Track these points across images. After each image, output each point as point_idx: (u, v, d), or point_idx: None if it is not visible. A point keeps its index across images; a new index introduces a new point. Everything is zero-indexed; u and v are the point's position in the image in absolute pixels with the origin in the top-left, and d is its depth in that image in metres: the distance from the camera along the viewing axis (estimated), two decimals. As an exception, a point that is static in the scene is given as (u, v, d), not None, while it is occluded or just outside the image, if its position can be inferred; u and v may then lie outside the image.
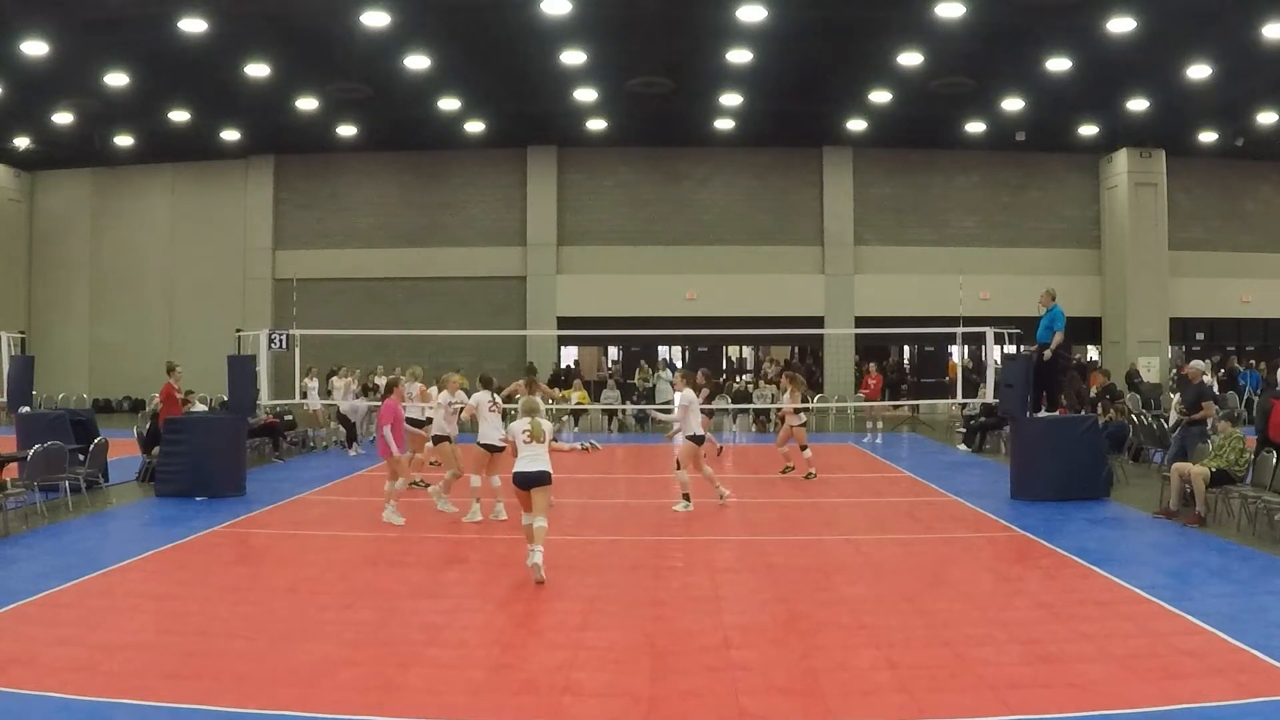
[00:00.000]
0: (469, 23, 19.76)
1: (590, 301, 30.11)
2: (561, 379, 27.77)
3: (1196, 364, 14.65)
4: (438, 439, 13.29)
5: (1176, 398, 15.06)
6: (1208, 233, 30.91)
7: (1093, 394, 17.84)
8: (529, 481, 8.98)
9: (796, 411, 15.88)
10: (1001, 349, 20.26)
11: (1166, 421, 16.59)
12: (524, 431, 9.10)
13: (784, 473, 15.97)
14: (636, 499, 14.04)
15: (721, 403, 23.84)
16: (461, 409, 13.06)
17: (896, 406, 26.83)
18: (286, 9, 18.95)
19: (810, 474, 15.36)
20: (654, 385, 25.71)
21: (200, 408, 16.52)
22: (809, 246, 30.83)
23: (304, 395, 20.47)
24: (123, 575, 9.14)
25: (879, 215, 30.95)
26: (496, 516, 11.93)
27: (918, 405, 27.04)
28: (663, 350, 31.51)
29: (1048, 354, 14.14)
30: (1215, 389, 17.43)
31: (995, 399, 16.56)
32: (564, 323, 29.88)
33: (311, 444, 20.67)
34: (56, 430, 14.12)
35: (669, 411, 14.46)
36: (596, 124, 27.95)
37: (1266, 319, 30.92)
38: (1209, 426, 12.97)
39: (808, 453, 15.52)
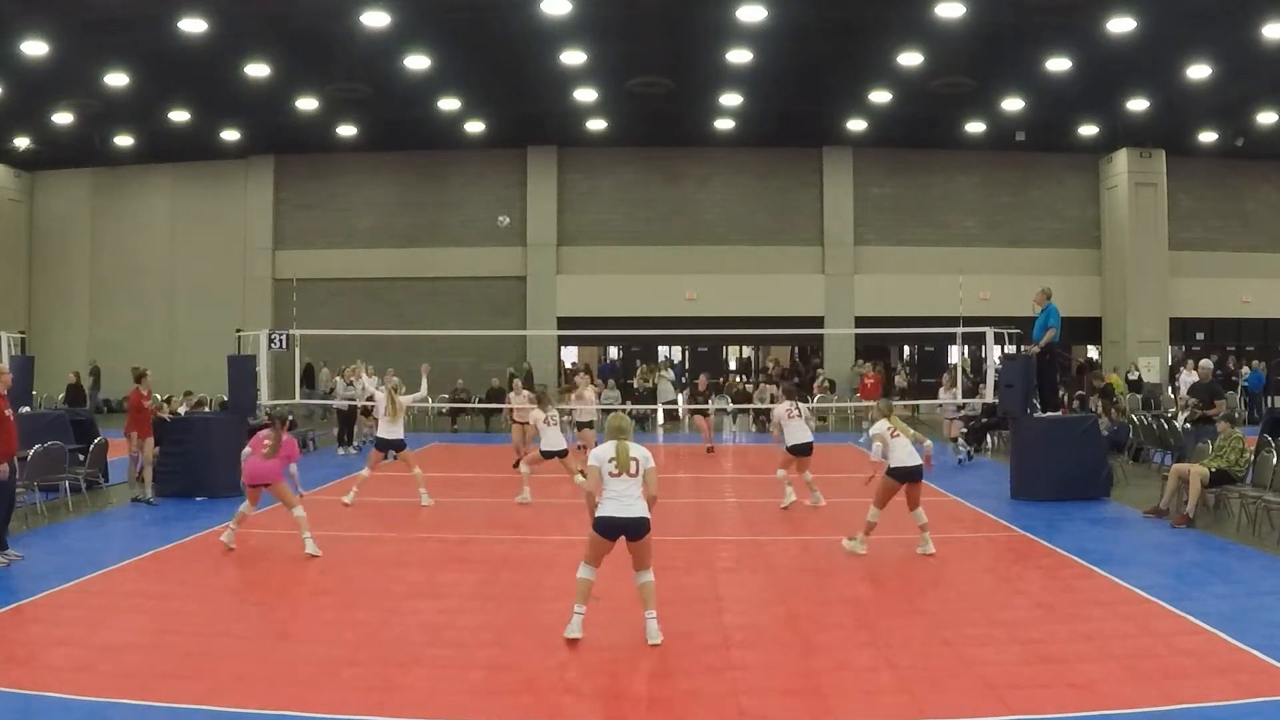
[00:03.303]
0: (469, 23, 19.76)
1: (590, 301, 30.09)
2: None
3: (1206, 363, 14.70)
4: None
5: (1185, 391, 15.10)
6: (1208, 233, 30.88)
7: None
8: (616, 530, 7.07)
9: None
10: (1002, 349, 20.23)
11: (1168, 422, 16.59)
12: (610, 460, 7.16)
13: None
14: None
15: (721, 402, 23.82)
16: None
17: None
18: (286, 9, 18.95)
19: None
20: (655, 385, 25.69)
21: (183, 409, 16.13)
22: (809, 246, 30.81)
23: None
24: (123, 575, 9.14)
25: (879, 215, 30.93)
26: None
27: (917, 405, 27.01)
28: (663, 350, 31.49)
29: (1035, 349, 14.14)
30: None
31: (995, 399, 16.55)
32: (564, 323, 29.86)
33: (313, 444, 20.69)
34: (56, 430, 14.11)
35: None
36: (596, 124, 27.93)
37: (1266, 319, 30.91)
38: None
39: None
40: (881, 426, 10.19)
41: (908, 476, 9.99)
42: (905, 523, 11.90)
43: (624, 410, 25.68)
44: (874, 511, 10.08)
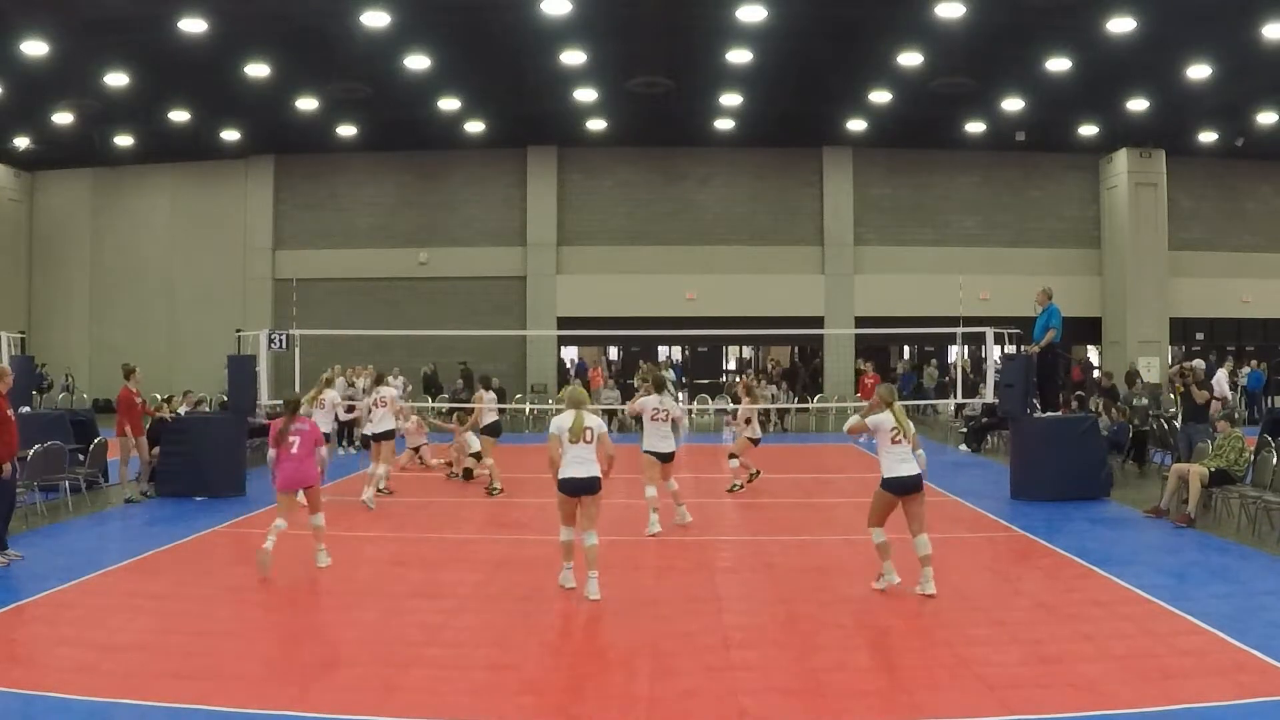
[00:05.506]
0: (469, 23, 19.75)
1: (590, 301, 30.08)
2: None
3: (1199, 364, 14.71)
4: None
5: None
6: (1208, 233, 30.87)
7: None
8: (579, 488, 8.26)
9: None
10: (1001, 349, 20.24)
11: (1168, 422, 16.61)
12: (567, 429, 8.24)
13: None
14: (637, 499, 14.01)
15: (721, 403, 23.84)
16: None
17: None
18: (286, 9, 18.95)
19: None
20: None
21: (183, 409, 16.01)
22: (809, 246, 30.81)
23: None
24: (123, 575, 9.14)
25: (879, 215, 30.93)
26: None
27: (917, 406, 27.00)
28: (663, 350, 31.48)
29: (1035, 349, 14.13)
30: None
31: (995, 399, 16.56)
32: (564, 323, 29.84)
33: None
34: (56, 430, 14.13)
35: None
36: (596, 124, 27.92)
37: (1266, 319, 30.91)
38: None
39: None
40: (883, 420, 8.48)
41: (905, 488, 8.42)
42: (905, 523, 11.91)
43: (623, 410, 25.62)
44: (877, 533, 8.54)
